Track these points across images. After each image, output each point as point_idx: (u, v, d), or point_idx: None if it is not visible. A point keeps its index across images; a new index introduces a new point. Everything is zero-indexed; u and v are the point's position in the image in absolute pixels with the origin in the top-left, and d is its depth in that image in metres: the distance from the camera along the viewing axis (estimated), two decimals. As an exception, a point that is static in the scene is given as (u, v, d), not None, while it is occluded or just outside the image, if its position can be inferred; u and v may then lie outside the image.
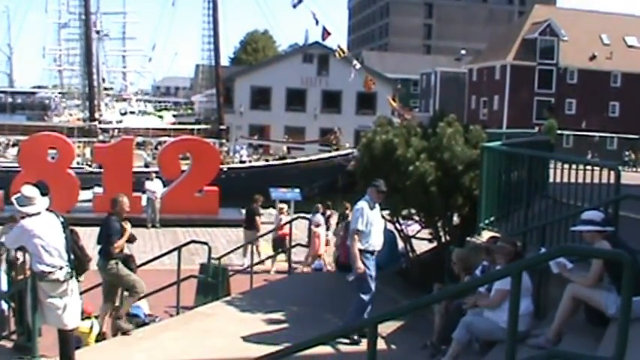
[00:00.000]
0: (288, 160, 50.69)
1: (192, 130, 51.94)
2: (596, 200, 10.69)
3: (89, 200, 33.75)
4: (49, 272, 10.18)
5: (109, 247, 12.68)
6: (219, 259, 19.35)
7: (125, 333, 12.73)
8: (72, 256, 10.40)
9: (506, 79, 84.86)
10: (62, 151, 33.93)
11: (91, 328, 13.74)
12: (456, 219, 15.73)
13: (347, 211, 20.36)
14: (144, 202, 33.15)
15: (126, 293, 13.21)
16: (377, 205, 12.55)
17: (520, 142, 15.18)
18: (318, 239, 22.80)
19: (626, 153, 63.65)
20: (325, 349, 10.97)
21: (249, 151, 58.91)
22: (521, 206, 12.46)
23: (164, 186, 34.01)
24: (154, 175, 33.83)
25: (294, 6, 39.58)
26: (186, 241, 19.53)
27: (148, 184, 33.00)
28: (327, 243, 23.70)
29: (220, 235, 30.26)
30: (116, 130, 50.91)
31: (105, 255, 12.79)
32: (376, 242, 12.53)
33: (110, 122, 58.33)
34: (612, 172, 10.77)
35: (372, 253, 12.44)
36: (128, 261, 13.23)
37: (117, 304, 13.53)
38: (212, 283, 17.06)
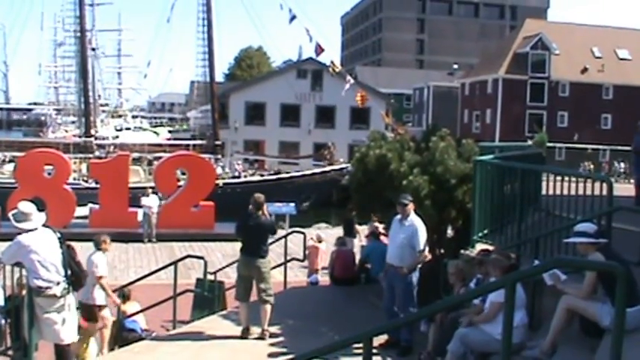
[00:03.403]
0: (283, 175, 50.64)
1: (188, 145, 51.98)
2: (588, 212, 10.69)
3: (85, 217, 33.68)
4: (46, 287, 10.15)
5: None
6: (215, 273, 19.31)
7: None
8: (68, 272, 10.38)
9: (499, 92, 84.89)
10: (58, 167, 33.88)
11: (87, 343, 13.72)
12: (449, 232, 15.73)
13: (375, 224, 20.32)
14: (140, 218, 33.15)
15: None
16: (408, 219, 12.59)
17: (513, 156, 15.19)
18: (317, 254, 22.80)
19: (618, 165, 63.93)
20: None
21: (244, 167, 58.91)
22: (514, 219, 12.47)
23: (160, 201, 34.00)
24: (150, 190, 33.79)
25: (290, 21, 39.72)
26: (182, 256, 19.50)
27: (145, 200, 32.98)
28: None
29: (216, 250, 30.21)
30: (112, 146, 50.96)
31: None
32: (389, 256, 12.67)
33: (106, 138, 58.38)
34: (604, 184, 10.78)
35: (391, 266, 12.68)
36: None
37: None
38: (208, 298, 17.00)
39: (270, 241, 13.98)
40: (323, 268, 22.56)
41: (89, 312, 13.89)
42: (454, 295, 11.11)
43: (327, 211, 44.57)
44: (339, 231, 27.93)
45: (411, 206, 12.54)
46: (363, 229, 24.38)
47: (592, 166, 64.06)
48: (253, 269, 13.30)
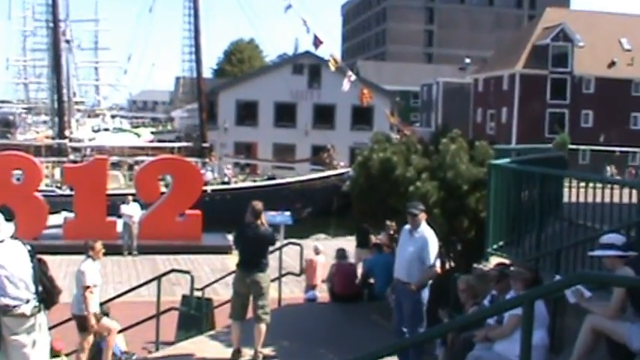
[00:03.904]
0: (278, 181, 50.63)
1: (173, 148, 51.99)
2: (616, 222, 10.65)
3: (59, 226, 33.62)
4: (14, 306, 10.08)
5: None
6: (202, 289, 19.29)
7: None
8: (40, 288, 10.33)
9: (515, 89, 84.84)
10: (29, 172, 33.78)
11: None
12: (461, 244, 15.72)
13: (391, 232, 20.30)
14: (120, 228, 33.08)
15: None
16: (418, 230, 12.59)
17: (531, 159, 15.18)
18: (315, 268, 22.76)
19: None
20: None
21: (235, 171, 58.92)
22: (533, 229, 12.45)
23: (142, 210, 33.95)
24: (130, 198, 33.74)
25: (285, 10, 39.74)
26: (166, 270, 19.49)
27: (124, 208, 32.92)
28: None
29: (204, 263, 30.14)
30: (88, 149, 50.92)
31: None
32: (396, 271, 12.70)
33: (82, 140, 58.24)
34: (635, 191, 10.74)
35: (398, 282, 12.72)
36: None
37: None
38: (195, 316, 16.98)
39: (265, 253, 13.99)
40: (322, 282, 22.54)
41: (84, 324, 14.03)
42: (466, 315, 11.08)
43: (326, 221, 44.54)
44: (339, 242, 27.91)
45: (422, 216, 12.52)
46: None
47: (615, 171, 63.91)
48: (252, 285, 13.29)
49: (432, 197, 14.15)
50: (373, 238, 24.83)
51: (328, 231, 42.03)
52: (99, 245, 14.63)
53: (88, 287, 14.03)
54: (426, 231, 12.50)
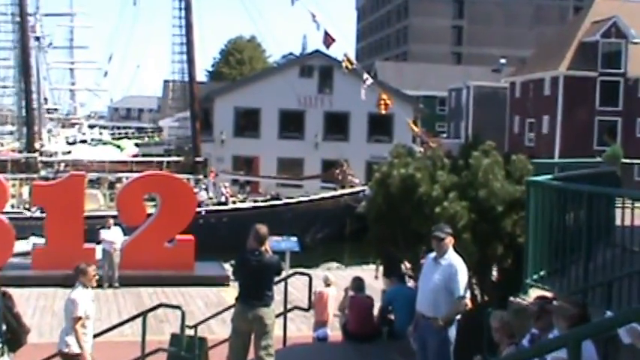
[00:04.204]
0: (283, 201, 50.72)
1: (161, 163, 52.08)
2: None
3: (27, 254, 33.65)
4: (-25, 347, 10.12)
5: None
6: (195, 327, 19.26)
7: None
8: (3, 327, 10.35)
9: (559, 94, 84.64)
10: (-7, 191, 33.90)
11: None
12: (495, 273, 15.69)
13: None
14: (99, 256, 33.04)
15: None
16: (445, 256, 12.58)
17: (577, 175, 15.16)
18: (326, 302, 22.74)
19: None
20: None
21: (233, 190, 59.02)
22: (579, 257, 12.42)
23: (125, 235, 33.94)
24: (111, 221, 33.74)
25: (292, 2, 39.86)
26: (153, 305, 19.47)
27: (104, 233, 32.91)
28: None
29: (197, 297, 30.13)
30: (62, 164, 51.01)
31: None
32: (419, 304, 12.71)
33: (54, 154, 58.52)
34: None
35: (422, 317, 12.73)
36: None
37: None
38: (186, 358, 16.97)
39: (270, 284, 14.00)
40: (335, 316, 22.54)
41: None
42: (500, 357, 11.04)
43: (338, 247, 44.61)
44: (353, 272, 27.89)
45: (449, 240, 12.52)
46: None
47: None
48: (254, 321, 13.29)
49: (461, 220, 14.14)
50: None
51: (341, 259, 42.03)
52: (92, 270, 14.48)
53: (80, 319, 13.87)
54: (453, 258, 12.49)
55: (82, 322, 13.91)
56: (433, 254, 12.62)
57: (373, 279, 24.56)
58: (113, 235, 32.98)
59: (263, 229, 13.64)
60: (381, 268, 23.55)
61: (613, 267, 11.95)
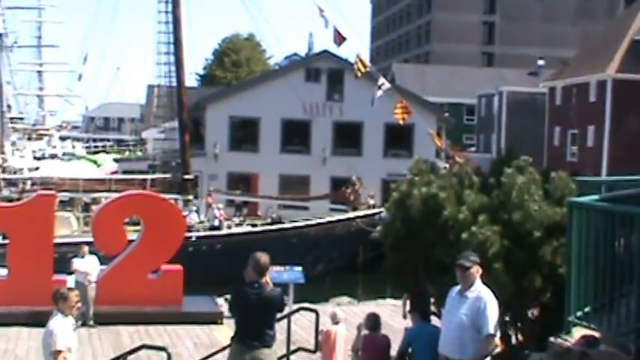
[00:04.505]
0: (286, 225, 50.78)
1: (144, 181, 52.17)
2: None
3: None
4: None
5: None
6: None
7: None
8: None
9: (607, 100, 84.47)
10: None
11: None
12: (532, 309, 15.69)
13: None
14: (71, 289, 33.09)
15: None
16: (471, 289, 12.57)
17: (628, 195, 15.17)
18: (334, 342, 22.76)
19: None
20: None
21: (227, 212, 59.09)
22: (631, 290, 12.41)
23: (101, 264, 33.96)
24: (86, 249, 33.75)
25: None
26: (134, 347, 19.49)
27: (78, 263, 32.92)
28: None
29: (185, 336, 30.15)
30: (29, 183, 51.13)
31: None
32: (442, 344, 12.72)
33: (20, 170, 58.62)
34: None
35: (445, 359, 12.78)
36: None
37: None
38: (173, 409, 17.02)
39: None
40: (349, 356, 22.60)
41: None
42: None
43: (350, 278, 44.64)
44: (367, 307, 27.89)
45: (475, 270, 12.51)
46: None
47: None
48: None
49: (492, 247, 14.16)
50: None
51: (353, 292, 42.06)
52: (74, 295, 14.40)
53: (60, 352, 13.85)
54: (482, 290, 12.47)
55: (62, 355, 13.87)
56: (458, 287, 12.60)
57: (388, 316, 24.52)
58: (88, 265, 32.88)
59: (263, 257, 13.64)
60: (408, 303, 23.50)
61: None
